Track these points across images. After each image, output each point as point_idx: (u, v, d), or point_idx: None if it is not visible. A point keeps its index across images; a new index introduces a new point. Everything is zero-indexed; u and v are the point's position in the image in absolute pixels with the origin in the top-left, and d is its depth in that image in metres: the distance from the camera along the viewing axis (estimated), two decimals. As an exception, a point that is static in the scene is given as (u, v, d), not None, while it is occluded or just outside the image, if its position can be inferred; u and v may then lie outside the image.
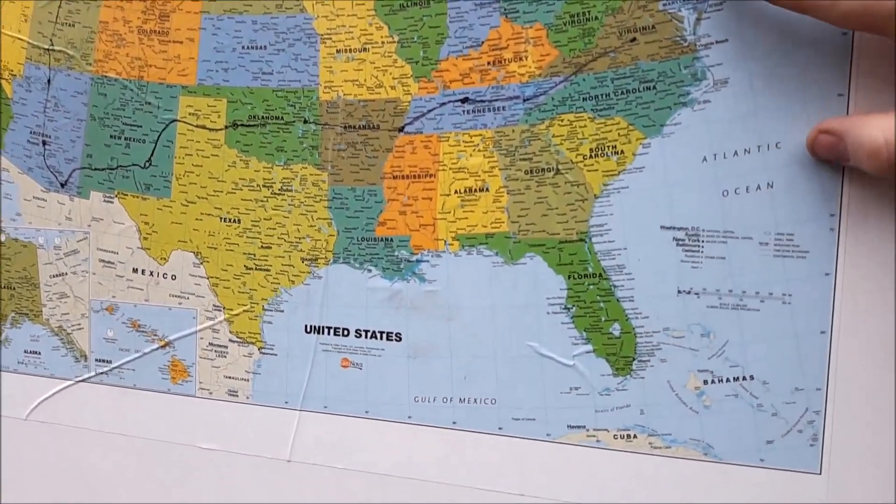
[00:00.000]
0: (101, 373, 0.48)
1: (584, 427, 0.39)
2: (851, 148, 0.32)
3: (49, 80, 0.46)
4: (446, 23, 0.39)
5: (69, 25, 0.45)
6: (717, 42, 0.36)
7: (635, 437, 0.38)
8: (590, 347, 0.39)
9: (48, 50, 0.45)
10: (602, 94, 0.37)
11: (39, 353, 0.49)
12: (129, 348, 0.47)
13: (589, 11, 0.37)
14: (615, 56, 0.37)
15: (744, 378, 0.37)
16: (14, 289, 0.49)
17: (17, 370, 0.49)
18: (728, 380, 0.37)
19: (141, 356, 0.47)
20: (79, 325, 0.48)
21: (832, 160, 0.34)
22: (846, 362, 0.35)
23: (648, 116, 0.37)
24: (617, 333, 0.38)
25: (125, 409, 0.47)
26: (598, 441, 0.39)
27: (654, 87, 0.36)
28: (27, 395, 0.49)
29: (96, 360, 0.48)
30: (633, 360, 0.38)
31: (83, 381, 0.48)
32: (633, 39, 0.36)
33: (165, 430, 0.46)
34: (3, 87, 0.47)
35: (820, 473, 0.36)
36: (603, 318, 0.38)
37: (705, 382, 0.37)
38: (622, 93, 0.37)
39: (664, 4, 0.36)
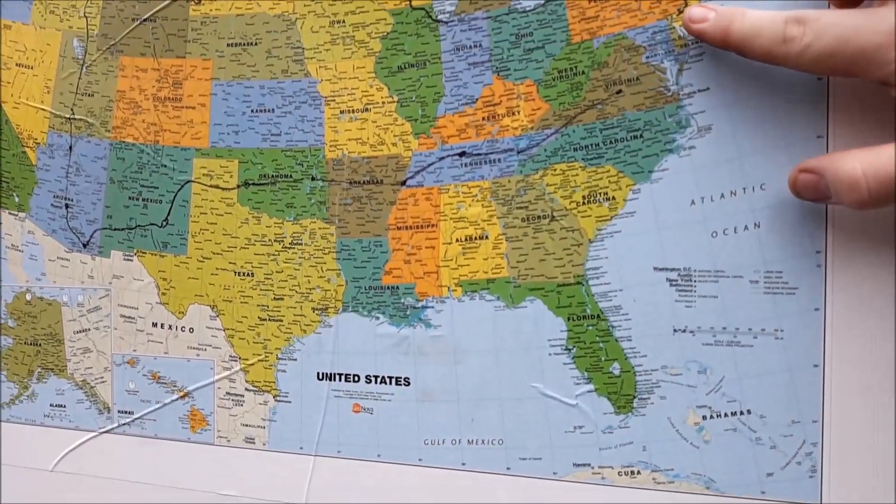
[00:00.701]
0: (124, 423, 0.49)
1: (590, 465, 0.40)
2: (832, 184, 0.33)
3: (71, 147, 0.48)
4: (442, 82, 0.41)
5: (88, 95, 0.48)
6: (699, 91, 0.37)
7: (639, 472, 0.39)
8: (591, 387, 0.40)
9: (69, 119, 0.48)
10: (592, 144, 0.39)
11: (64, 407, 0.51)
12: (150, 399, 0.49)
13: (576, 67, 0.39)
14: (603, 108, 0.39)
15: (741, 413, 0.38)
16: (40, 345, 0.51)
17: (43, 423, 0.51)
18: (726, 414, 0.38)
19: (161, 407, 0.48)
20: (102, 378, 0.50)
21: (815, 199, 0.35)
22: (840, 394, 0.37)
23: (637, 163, 0.38)
24: (617, 372, 0.39)
25: (147, 458, 0.49)
26: (603, 478, 0.40)
27: (641, 136, 0.38)
28: (53, 447, 0.51)
29: (119, 411, 0.49)
30: (634, 397, 0.39)
31: (107, 432, 0.50)
32: (619, 91, 0.38)
33: (186, 477, 0.48)
34: (28, 154, 0.49)
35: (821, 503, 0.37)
36: (603, 358, 0.40)
37: (704, 418, 0.38)
38: (611, 142, 0.39)
39: (647, 57, 0.38)
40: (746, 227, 0.37)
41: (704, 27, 0.35)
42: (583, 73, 0.39)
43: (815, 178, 0.34)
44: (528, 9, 0.39)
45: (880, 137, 0.35)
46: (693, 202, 0.38)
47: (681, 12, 0.37)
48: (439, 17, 0.41)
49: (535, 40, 0.39)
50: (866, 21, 0.31)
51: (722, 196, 0.37)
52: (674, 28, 0.37)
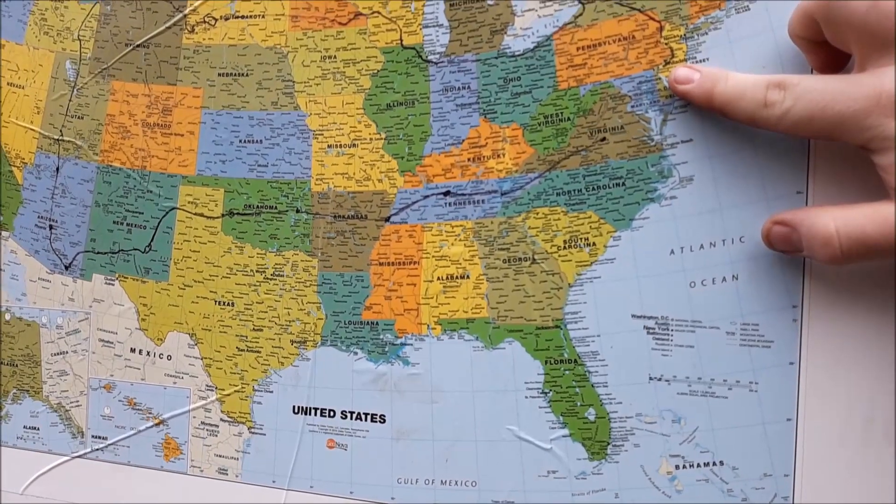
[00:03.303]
0: (97, 449, 0.49)
1: (561, 510, 0.40)
2: (805, 238, 0.33)
3: (58, 169, 0.48)
4: (430, 122, 0.41)
5: (78, 118, 0.48)
6: (682, 142, 0.38)
7: (610, 520, 0.39)
8: (566, 431, 0.40)
9: (58, 140, 0.48)
10: (574, 190, 0.39)
11: (38, 429, 0.50)
12: (124, 426, 0.48)
13: (562, 113, 0.39)
14: (586, 154, 0.39)
15: (714, 464, 0.38)
16: (17, 366, 0.51)
17: (15, 445, 0.51)
18: (699, 465, 0.38)
19: (136, 433, 0.48)
20: (77, 402, 0.49)
21: (787, 251, 0.35)
22: (812, 449, 0.37)
23: (618, 211, 0.39)
24: (592, 418, 0.39)
25: (119, 486, 0.48)
26: (574, 524, 0.40)
27: (624, 184, 0.39)
28: (24, 471, 0.50)
29: (93, 436, 0.49)
30: (608, 444, 0.39)
31: (79, 456, 0.49)
32: (604, 139, 0.39)
33: (158, 505, 0.48)
34: (15, 174, 0.49)
35: (791, 559, 0.37)
36: (578, 403, 0.40)
37: (677, 467, 0.38)
38: (593, 189, 0.39)
39: (632, 106, 0.38)
40: (725, 279, 0.37)
41: (689, 88, 0.35)
42: (568, 119, 0.39)
43: (788, 230, 0.34)
44: (516, 53, 0.40)
45: (859, 196, 0.35)
46: (672, 251, 0.38)
47: (667, 63, 0.38)
48: (429, 57, 0.41)
49: (522, 85, 0.40)
50: (845, 88, 0.31)
51: (701, 247, 0.38)
52: (659, 79, 0.38)
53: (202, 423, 0.46)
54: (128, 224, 0.47)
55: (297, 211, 0.44)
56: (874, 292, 0.36)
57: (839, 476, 0.36)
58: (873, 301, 0.36)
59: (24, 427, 0.51)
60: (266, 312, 0.45)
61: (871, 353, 0.36)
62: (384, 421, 0.43)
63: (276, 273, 0.44)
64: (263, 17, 0.44)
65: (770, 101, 0.32)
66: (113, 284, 0.48)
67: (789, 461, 0.37)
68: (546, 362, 0.40)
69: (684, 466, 0.38)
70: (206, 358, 0.46)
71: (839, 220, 0.31)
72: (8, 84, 0.49)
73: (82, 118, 0.48)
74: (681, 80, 0.36)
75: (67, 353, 0.49)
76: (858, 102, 0.31)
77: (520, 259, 0.40)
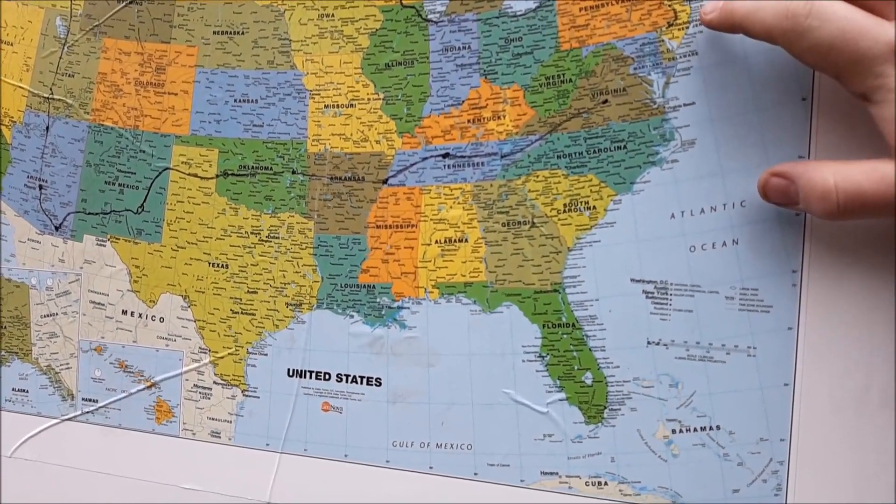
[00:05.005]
0: (88, 412, 0.48)
1: (557, 474, 0.40)
2: (803, 191, 0.33)
3: (48, 128, 0.47)
4: (429, 82, 0.41)
5: (69, 76, 0.47)
6: (684, 105, 0.37)
7: (606, 484, 0.39)
8: (563, 395, 0.40)
9: (48, 98, 0.47)
10: (575, 153, 0.39)
11: (27, 392, 0.50)
12: (115, 388, 0.48)
13: (563, 74, 0.39)
14: (588, 117, 0.39)
15: (711, 428, 0.38)
16: (5, 328, 0.50)
17: (4, 408, 0.50)
18: (696, 429, 0.38)
19: (127, 396, 0.47)
20: (67, 364, 0.49)
21: (782, 203, 0.35)
22: (809, 414, 0.37)
23: (619, 174, 0.38)
24: (589, 382, 0.39)
25: (110, 448, 0.48)
26: (570, 488, 0.40)
27: (625, 147, 0.38)
28: (13, 433, 0.50)
29: (83, 399, 0.48)
30: (605, 408, 0.39)
31: (69, 419, 0.49)
32: (606, 101, 0.38)
33: (149, 469, 0.47)
34: (3, 132, 0.48)
35: (784, 522, 0.37)
36: (576, 367, 0.40)
37: (674, 431, 0.38)
38: (594, 151, 0.39)
39: (635, 68, 0.38)
40: (725, 244, 0.37)
41: (712, 17, 0.34)
42: (570, 80, 0.39)
43: (786, 183, 0.34)
44: (518, 13, 0.39)
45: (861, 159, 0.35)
46: (673, 215, 0.38)
47: (670, 25, 0.37)
48: (429, 16, 0.41)
49: (524, 45, 0.39)
50: (872, 27, 0.30)
51: (702, 211, 0.37)
52: (662, 41, 0.37)
53: (195, 385, 0.46)
54: (120, 184, 0.46)
55: (293, 172, 0.43)
56: (873, 258, 0.36)
57: (835, 441, 0.37)
58: (872, 267, 0.36)
59: (13, 390, 0.50)
60: (261, 275, 0.44)
61: (870, 319, 0.36)
62: (380, 384, 0.42)
63: (272, 235, 0.44)
64: (260, -27, 0.43)
65: (793, 12, 0.31)
66: (104, 245, 0.47)
67: (786, 426, 0.37)
68: (544, 326, 0.40)
69: (681, 431, 0.38)
70: (199, 320, 0.45)
71: (838, 174, 0.31)
72: (-4, 40, 0.48)
73: (73, 76, 0.47)
74: (707, 11, 0.35)
75: (57, 314, 0.49)
76: (880, 45, 0.30)
77: (519, 222, 0.40)
